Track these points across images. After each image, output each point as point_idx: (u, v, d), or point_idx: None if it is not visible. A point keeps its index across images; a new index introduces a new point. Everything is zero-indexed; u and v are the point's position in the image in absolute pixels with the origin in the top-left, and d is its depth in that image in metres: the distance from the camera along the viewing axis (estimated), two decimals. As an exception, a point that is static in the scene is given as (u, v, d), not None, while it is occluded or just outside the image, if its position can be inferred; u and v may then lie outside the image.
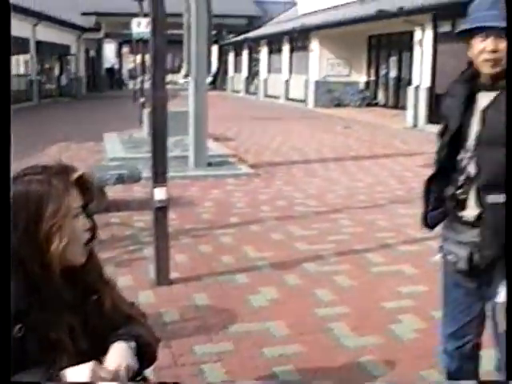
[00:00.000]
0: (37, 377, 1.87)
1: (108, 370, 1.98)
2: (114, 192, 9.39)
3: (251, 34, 40.87)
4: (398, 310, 5.34)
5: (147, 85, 7.02)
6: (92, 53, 45.99)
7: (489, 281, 3.05)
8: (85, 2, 42.12)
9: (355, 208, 9.19)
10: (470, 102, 3.02)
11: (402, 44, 25.93)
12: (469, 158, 2.99)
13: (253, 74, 41.66)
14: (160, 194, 5.82)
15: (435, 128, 3.24)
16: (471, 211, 3.00)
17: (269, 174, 12.08)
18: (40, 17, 30.34)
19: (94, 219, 2.16)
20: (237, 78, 45.07)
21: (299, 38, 32.08)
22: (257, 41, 39.43)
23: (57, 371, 1.90)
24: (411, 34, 22.39)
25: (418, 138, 17.73)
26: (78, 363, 1.93)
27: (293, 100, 32.82)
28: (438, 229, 3.26)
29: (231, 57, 47.42)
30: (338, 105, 29.35)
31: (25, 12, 27.52)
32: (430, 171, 3.19)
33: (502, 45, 2.87)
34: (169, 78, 49.85)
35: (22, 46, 29.67)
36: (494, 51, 2.88)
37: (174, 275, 6.06)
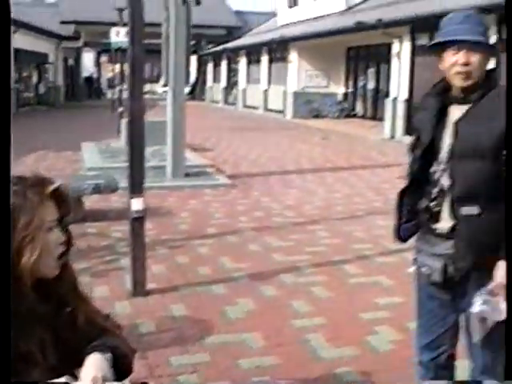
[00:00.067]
0: None
1: (84, 383, 1.97)
2: (91, 202, 9.36)
3: (230, 45, 40.90)
4: (374, 321, 5.35)
5: (126, 94, 7.00)
6: (71, 61, 45.79)
7: (463, 292, 3.08)
8: (64, 11, 42.00)
9: (332, 219, 9.21)
10: (442, 114, 3.06)
11: (380, 56, 26.06)
12: (442, 170, 3.02)
13: (231, 85, 41.68)
14: (137, 204, 5.80)
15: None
16: (445, 223, 3.03)
17: (246, 184, 12.09)
18: (18, 25, 30.14)
19: (70, 232, 2.14)
20: (215, 88, 45.07)
21: (278, 49, 32.15)
22: (236, 51, 39.47)
23: None
24: (389, 46, 22.52)
25: (395, 150, 17.81)
26: (50, 377, 1.91)
27: (271, 111, 32.87)
28: (414, 240, 3.28)
29: (210, 67, 47.44)
30: (317, 116, 29.42)
31: (3, 20, 27.26)
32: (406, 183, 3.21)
33: (474, 58, 2.92)
34: (147, 87, 49.77)
35: (0, 53, 29.39)
36: (466, 64, 2.93)
37: (150, 286, 6.03)
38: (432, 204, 3.06)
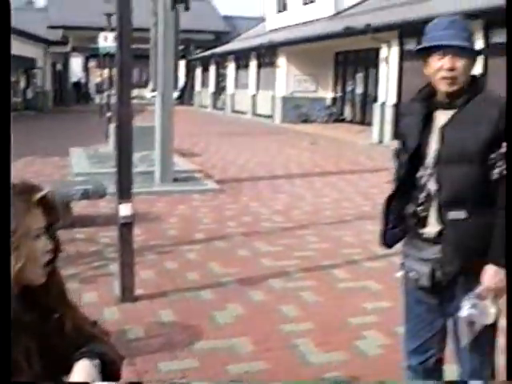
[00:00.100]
0: None
1: None
2: (79, 207, 9.34)
3: (219, 50, 40.94)
4: (362, 326, 5.36)
5: (114, 99, 6.99)
6: (59, 66, 45.69)
7: (450, 297, 3.09)
8: (52, 16, 41.93)
9: (321, 224, 9.22)
10: (427, 119, 3.07)
11: (369, 61, 26.15)
12: (428, 175, 3.03)
13: (220, 90, 41.71)
14: (125, 210, 5.79)
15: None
16: (432, 228, 3.04)
17: (235, 189, 12.08)
18: (6, 30, 30.07)
19: (59, 239, 2.13)
20: (204, 93, 45.09)
21: (266, 54, 32.19)
22: (224, 56, 39.50)
23: None
24: (377, 51, 22.60)
25: (383, 154, 17.82)
26: (37, 384, 1.91)
27: (260, 115, 32.90)
28: (401, 245, 3.29)
29: (198, 72, 47.44)
30: (305, 120, 29.47)
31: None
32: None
33: (459, 63, 2.95)
34: (136, 92, 49.70)
35: (-13, 59, 29.32)
36: (452, 69, 2.95)
37: (139, 291, 6.02)
38: (419, 209, 3.07)
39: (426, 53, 3.06)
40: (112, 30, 19.27)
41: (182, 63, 45.21)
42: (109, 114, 18.51)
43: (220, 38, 46.84)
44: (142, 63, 29.54)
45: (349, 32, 22.67)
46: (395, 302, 5.43)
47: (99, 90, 33.21)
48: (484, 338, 3.06)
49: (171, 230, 8.80)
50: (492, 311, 2.97)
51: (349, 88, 29.27)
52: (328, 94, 30.49)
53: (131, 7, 5.90)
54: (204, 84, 45.67)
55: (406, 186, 3.12)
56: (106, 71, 24.40)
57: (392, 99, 21.18)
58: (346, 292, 6.25)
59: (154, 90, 12.20)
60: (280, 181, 13.25)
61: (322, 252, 7.70)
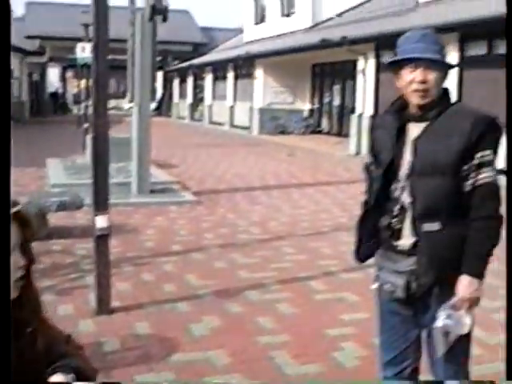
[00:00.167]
0: None
1: None
2: (56, 219, 9.27)
3: (196, 61, 40.96)
4: (340, 337, 5.37)
5: (91, 110, 6.98)
6: (35, 76, 45.46)
7: (425, 307, 3.12)
8: (29, 25, 41.77)
9: (298, 235, 9.24)
10: (400, 132, 3.10)
11: (346, 73, 26.28)
12: (402, 187, 3.06)
13: (198, 101, 41.70)
14: (101, 221, 5.77)
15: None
16: (406, 240, 3.07)
17: (212, 201, 12.07)
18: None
19: (33, 254, 2.11)
20: (182, 105, 45.05)
21: (244, 66, 32.25)
22: (202, 67, 39.51)
23: None
24: (354, 63, 22.72)
25: (360, 166, 17.75)
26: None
27: (237, 127, 32.92)
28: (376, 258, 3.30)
29: (176, 83, 47.40)
30: (283, 132, 29.54)
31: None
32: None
33: (431, 76, 2.98)
34: (114, 103, 49.56)
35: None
36: (423, 82, 2.99)
37: (115, 304, 5.99)
38: (393, 221, 3.09)
39: (398, 65, 3.09)
40: (89, 40, 19.13)
41: (160, 74, 45.19)
42: (86, 125, 18.45)
43: (198, 49, 46.92)
44: (119, 74, 29.46)
45: (325, 44, 22.79)
46: (372, 313, 5.43)
47: (77, 100, 33.14)
48: (458, 348, 3.09)
49: (148, 241, 8.77)
50: (467, 321, 3.00)
51: (326, 100, 29.39)
52: (305, 106, 30.60)
53: (108, 18, 5.89)
54: (182, 95, 45.63)
55: (379, 199, 3.14)
56: (83, 82, 24.33)
57: (369, 111, 21.29)
58: (322, 303, 6.26)
59: (131, 101, 12.15)
60: (257, 192, 13.27)
61: (299, 264, 7.71)
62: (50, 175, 13.90)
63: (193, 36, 48.41)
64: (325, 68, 29.17)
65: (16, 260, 2.03)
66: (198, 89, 41.81)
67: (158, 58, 19.45)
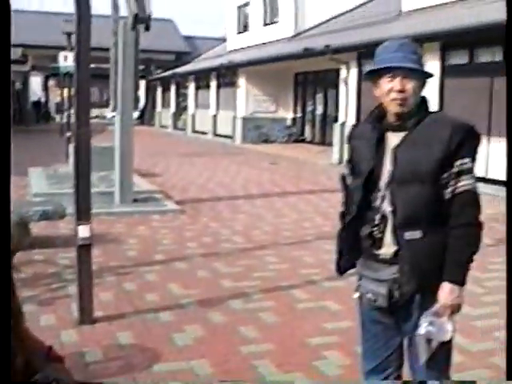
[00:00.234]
0: None
1: None
2: (38, 228, 9.23)
3: (179, 70, 40.95)
4: (323, 346, 5.37)
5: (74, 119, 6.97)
6: (18, 85, 45.30)
7: (407, 315, 3.14)
8: (11, 33, 41.53)
9: (281, 244, 9.24)
10: (379, 141, 3.12)
11: (328, 81, 26.37)
12: (382, 196, 3.08)
13: (181, 110, 41.69)
14: (84, 231, 5.75)
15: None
16: (388, 249, 3.08)
17: (195, 210, 12.06)
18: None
19: (14, 264, 2.10)
20: (165, 114, 45.01)
21: (227, 74, 32.27)
22: (185, 76, 39.51)
23: None
24: (337, 72, 22.80)
25: (343, 175, 17.92)
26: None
27: (220, 136, 32.92)
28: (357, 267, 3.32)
29: (159, 92, 47.40)
30: (265, 141, 29.57)
31: None
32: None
33: (409, 85, 3.02)
34: (97, 112, 49.47)
35: None
36: (402, 91, 3.01)
37: (97, 314, 5.96)
38: (374, 230, 3.11)
39: (376, 75, 3.12)
40: (72, 49, 19.19)
41: (143, 83, 45.18)
42: (68, 134, 18.40)
43: (181, 58, 46.92)
44: (102, 83, 29.42)
45: (308, 53, 22.88)
46: (355, 321, 5.44)
47: (59, 109, 33.02)
48: (440, 355, 3.11)
49: (130, 251, 8.75)
50: (449, 328, 3.03)
51: (309, 108, 29.47)
52: (288, 115, 30.66)
53: (90, 26, 5.88)
54: (165, 104, 45.61)
55: (360, 208, 3.15)
56: (65, 90, 24.27)
57: (351, 119, 21.36)
58: (305, 312, 6.26)
59: (114, 110, 12.12)
60: (240, 201, 13.27)
61: (282, 272, 7.72)
62: (32, 184, 13.84)
63: (176, 45, 48.43)
64: (308, 77, 29.26)
65: None
66: (181, 97, 41.81)
67: (141, 67, 19.46)
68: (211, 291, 6.90)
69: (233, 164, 20.80)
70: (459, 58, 16.42)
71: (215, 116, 34.39)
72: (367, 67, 20.67)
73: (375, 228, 3.10)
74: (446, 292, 3.00)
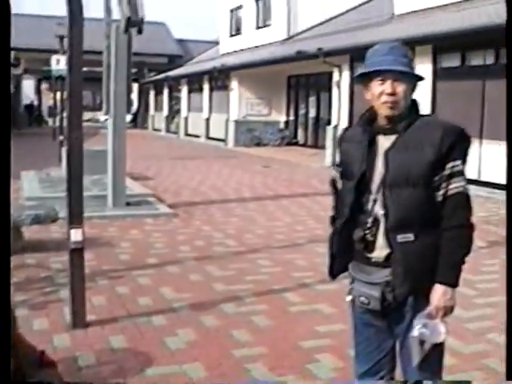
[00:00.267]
0: None
1: None
2: (30, 232, 9.21)
3: (172, 73, 40.96)
4: (316, 349, 5.36)
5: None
6: (11, 88, 45.17)
7: (399, 318, 3.14)
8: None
9: (274, 248, 9.24)
10: (371, 144, 3.12)
11: (321, 84, 26.42)
12: (374, 199, 3.08)
13: (173, 113, 41.69)
14: (76, 235, 5.73)
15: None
16: (380, 252, 3.09)
17: (188, 213, 12.05)
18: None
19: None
20: (157, 117, 45.02)
21: (219, 78, 32.29)
22: (178, 79, 39.53)
23: None
24: (330, 75, 22.84)
25: (336, 177, 17.92)
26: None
27: (213, 139, 32.94)
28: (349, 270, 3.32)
29: (152, 95, 47.39)
30: (258, 144, 29.61)
31: None
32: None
33: (400, 88, 3.02)
34: (90, 115, 49.43)
35: None
36: (392, 94, 3.02)
37: (90, 317, 5.94)
38: (367, 233, 3.11)
39: (367, 78, 3.13)
40: (64, 52, 19.15)
41: (136, 86, 45.17)
42: (61, 138, 18.38)
43: (174, 61, 46.93)
44: (95, 86, 29.40)
45: (300, 56, 22.91)
46: (347, 324, 5.43)
47: (52, 112, 32.98)
48: (433, 357, 3.11)
49: (123, 254, 8.73)
50: (442, 330, 3.03)
51: (301, 111, 29.52)
52: (281, 118, 30.70)
53: (82, 30, 5.87)
54: (157, 107, 45.61)
55: (352, 212, 3.16)
56: (58, 94, 24.24)
57: (344, 122, 21.40)
58: (298, 315, 6.26)
59: (107, 113, 12.10)
60: (232, 204, 13.26)
61: (275, 276, 7.71)
62: (24, 188, 13.81)
63: (169, 48, 48.45)
64: (300, 80, 29.31)
65: None
66: (174, 101, 41.82)
67: (134, 70, 19.44)
68: (204, 295, 6.89)
69: (225, 167, 20.80)
70: (451, 61, 16.47)
71: (208, 119, 34.40)
72: (360, 70, 20.71)
73: (367, 231, 3.10)
74: (438, 294, 3.01)
